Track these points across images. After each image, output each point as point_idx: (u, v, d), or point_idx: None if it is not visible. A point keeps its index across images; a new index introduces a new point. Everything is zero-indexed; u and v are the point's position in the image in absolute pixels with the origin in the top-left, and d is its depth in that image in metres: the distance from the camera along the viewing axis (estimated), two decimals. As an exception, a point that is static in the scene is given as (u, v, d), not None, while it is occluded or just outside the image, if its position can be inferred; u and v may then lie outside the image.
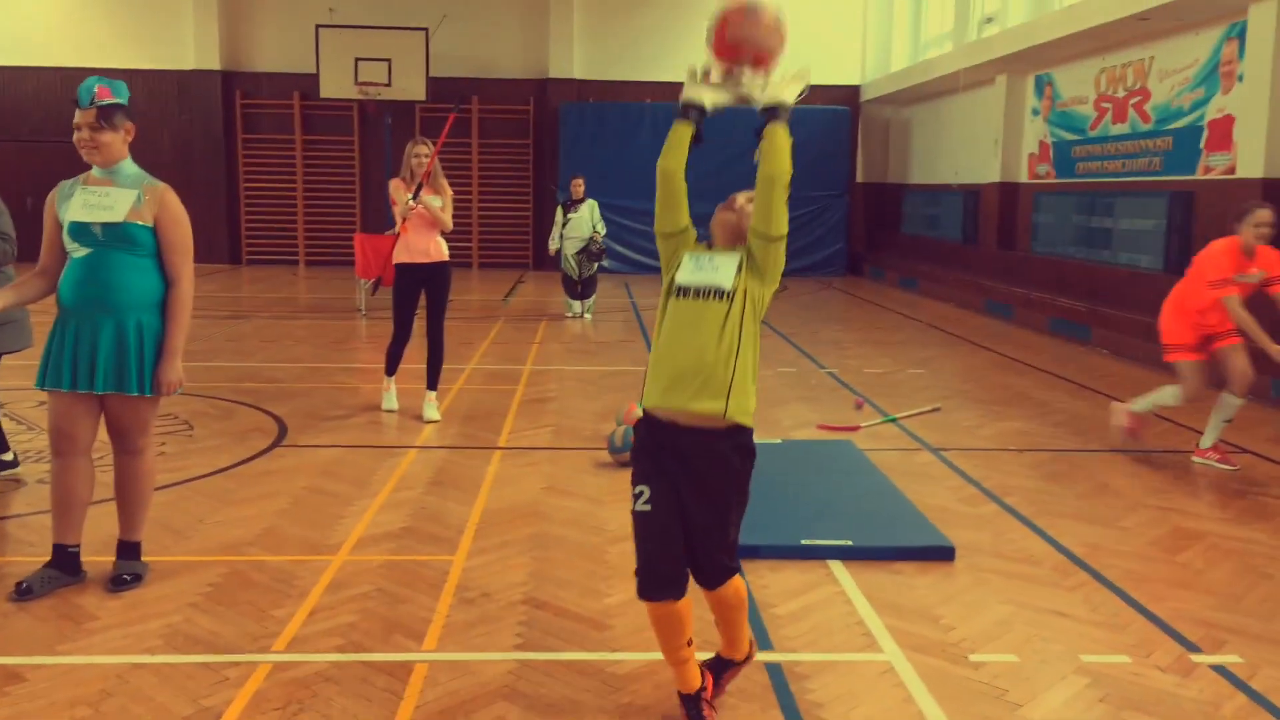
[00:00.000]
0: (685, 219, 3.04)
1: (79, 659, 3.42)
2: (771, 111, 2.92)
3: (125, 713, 3.08)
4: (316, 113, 18.70)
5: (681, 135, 2.99)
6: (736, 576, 3.07)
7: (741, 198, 3.04)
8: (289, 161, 18.87)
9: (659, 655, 3.46)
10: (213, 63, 18.38)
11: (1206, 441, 6.12)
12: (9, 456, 5.50)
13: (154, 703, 3.14)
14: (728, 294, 2.88)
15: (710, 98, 2.99)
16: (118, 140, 3.91)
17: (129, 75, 18.08)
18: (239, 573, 4.20)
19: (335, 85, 17.76)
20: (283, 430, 6.63)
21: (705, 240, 3.08)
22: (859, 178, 19.86)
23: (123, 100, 3.94)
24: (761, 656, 3.50)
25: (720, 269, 2.93)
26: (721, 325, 2.87)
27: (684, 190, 3.01)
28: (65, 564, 4.02)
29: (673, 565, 2.92)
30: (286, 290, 15.31)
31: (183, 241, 4.04)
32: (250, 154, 18.86)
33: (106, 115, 3.86)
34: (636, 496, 2.95)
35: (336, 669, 3.38)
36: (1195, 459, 6.13)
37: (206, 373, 8.49)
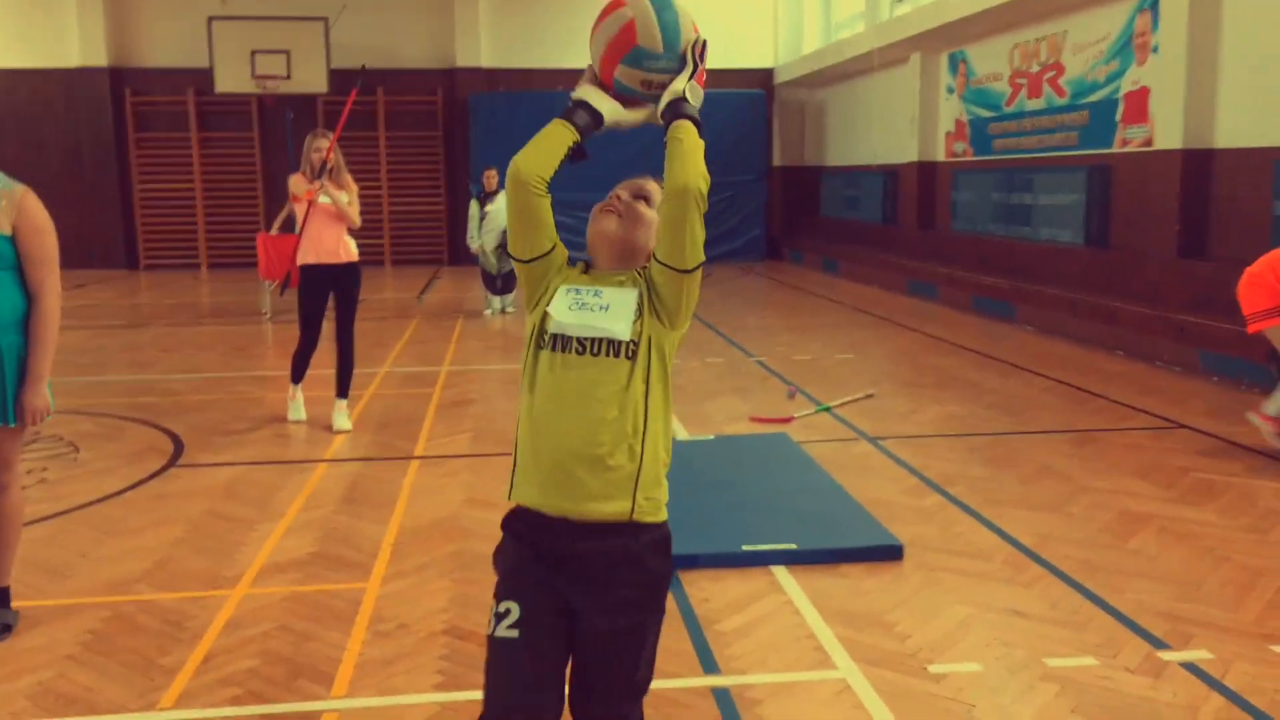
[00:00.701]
0: (550, 238, 2.13)
1: (-69, 731, 2.99)
2: (671, 109, 2.10)
3: (-18, 796, 2.67)
4: (212, 109, 17.92)
5: (557, 137, 2.10)
6: None
7: (626, 192, 2.19)
8: (185, 160, 18.06)
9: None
10: (99, 59, 17.47)
11: (1273, 409, 5.67)
12: None
13: (17, 781, 2.73)
14: (626, 347, 2.04)
15: (611, 109, 2.16)
16: (-42, 137, 3.45)
17: (9, 75, 17.11)
18: (124, 616, 3.77)
19: (231, 79, 17.02)
20: (179, 448, 6.16)
21: (582, 260, 2.21)
22: (776, 161, 19.73)
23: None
24: (709, 681, 3.21)
25: (612, 308, 2.07)
26: (622, 393, 2.02)
27: (545, 204, 2.11)
28: (-79, 617, 3.56)
29: (537, 716, 2.02)
30: (187, 295, 14.62)
31: (46, 252, 3.57)
32: (144, 154, 18.00)
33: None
34: (499, 616, 2.04)
35: (232, 725, 3.00)
36: (1250, 415, 5.83)
37: (96, 388, 7.92)
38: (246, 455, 5.98)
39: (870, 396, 7.22)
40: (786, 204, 19.93)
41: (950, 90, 14.25)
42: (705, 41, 2.15)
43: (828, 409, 6.87)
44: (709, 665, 3.32)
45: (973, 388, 7.57)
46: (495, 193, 11.91)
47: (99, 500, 5.17)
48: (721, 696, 3.12)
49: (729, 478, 5.14)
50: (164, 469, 5.72)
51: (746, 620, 3.65)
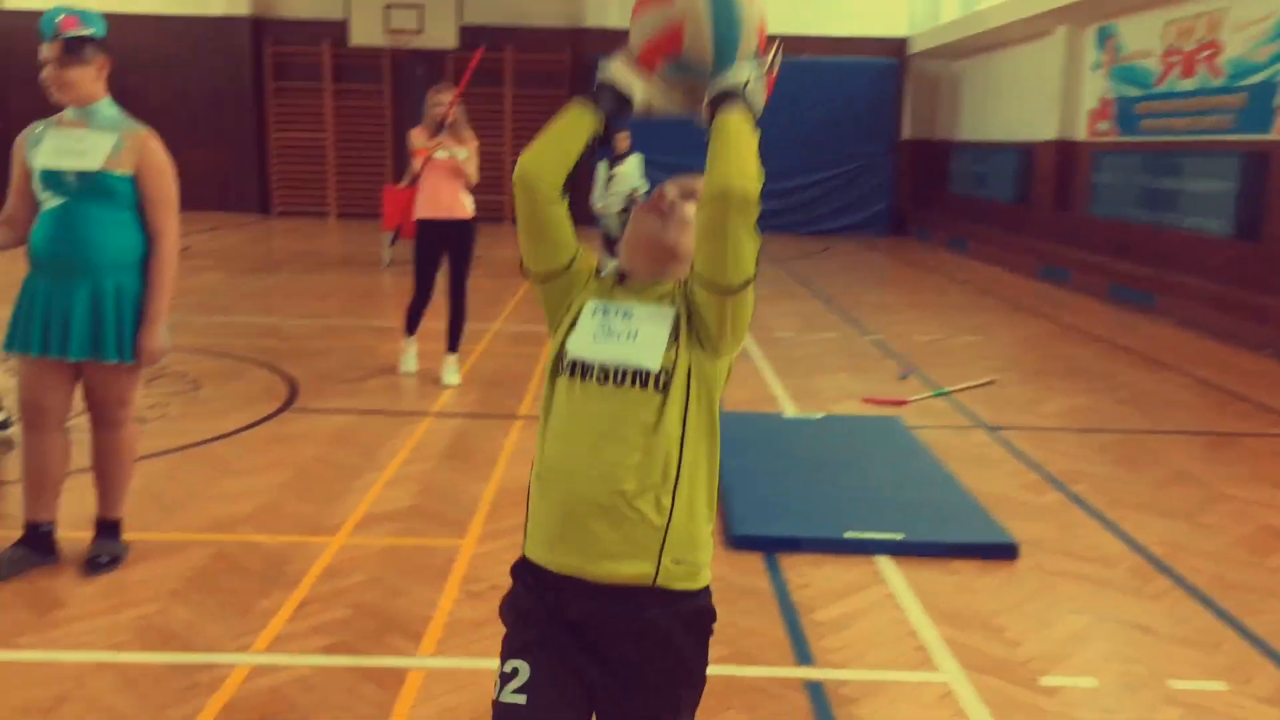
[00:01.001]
0: (568, 250, 1.83)
1: (38, 655, 3.07)
2: (722, 99, 1.73)
3: (78, 725, 2.72)
4: (347, 61, 18.23)
5: (576, 128, 1.80)
6: None
7: (675, 190, 1.86)
8: (319, 111, 18.45)
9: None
10: (242, 8, 17.92)
11: None
12: (1, 417, 5.16)
13: (113, 712, 2.78)
14: (657, 378, 1.71)
15: (644, 95, 1.84)
16: (87, 77, 3.49)
17: (158, 21, 17.69)
18: (227, 555, 3.83)
19: (365, 33, 17.28)
20: (294, 393, 6.27)
21: (616, 273, 1.89)
22: (905, 134, 19.14)
23: (95, 32, 3.51)
24: (802, 673, 3.09)
25: (642, 333, 1.74)
26: (649, 432, 1.69)
27: (561, 212, 1.80)
28: (37, 544, 3.67)
29: None
30: (314, 243, 14.96)
31: (166, 194, 3.61)
32: (280, 103, 18.46)
33: (73, 49, 3.44)
34: (506, 678, 1.73)
35: (320, 675, 3.00)
36: None
37: (222, 328, 8.14)
38: (357, 404, 6.05)
39: (991, 383, 6.92)
40: (914, 179, 19.34)
41: (1096, 66, 13.55)
42: (779, 45, 1.83)
43: (945, 394, 6.61)
44: (803, 655, 3.19)
45: (1103, 380, 7.19)
46: (625, 154, 11.81)
47: (214, 439, 5.29)
48: (814, 690, 3.00)
49: (836, 459, 4.97)
50: (278, 412, 5.83)
51: (845, 611, 3.50)
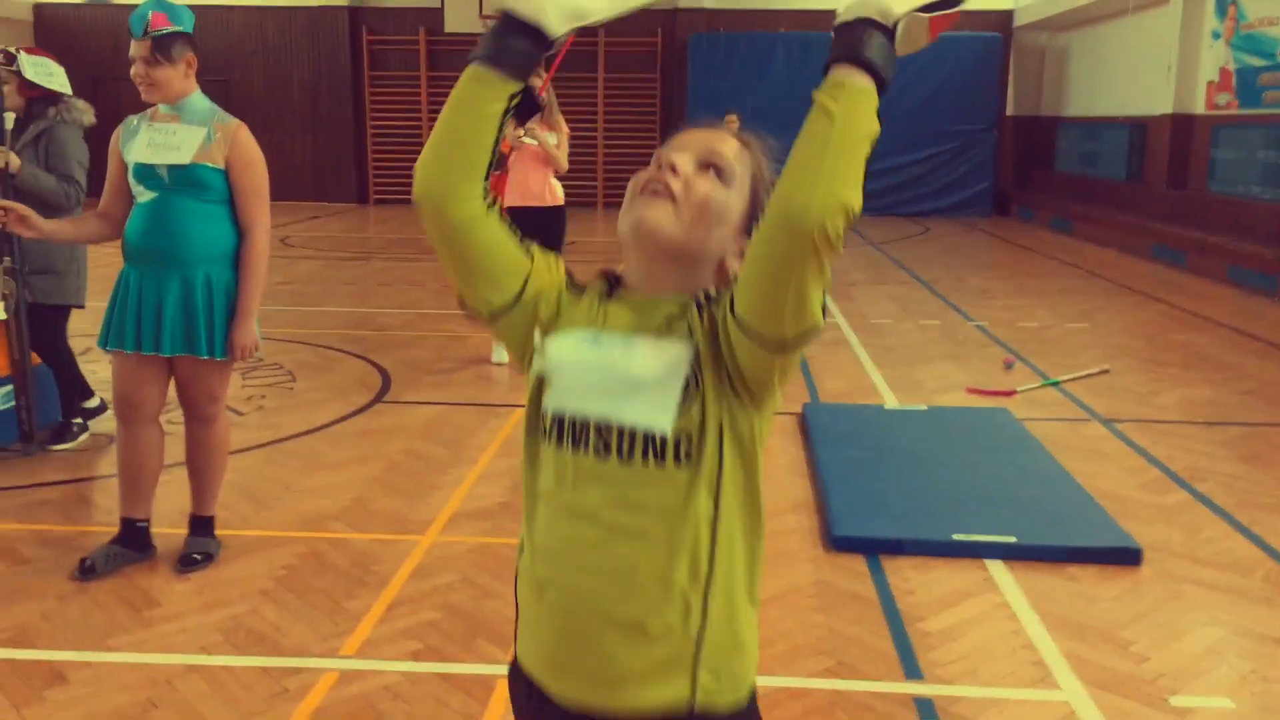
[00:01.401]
0: (514, 274, 1.32)
1: (130, 657, 3.06)
2: (853, 43, 1.12)
3: (167, 730, 2.69)
4: (442, 48, 18.34)
5: (475, 95, 1.26)
6: None
7: (687, 158, 1.31)
8: (415, 99, 18.62)
9: (797, 681, 2.90)
10: (339, -2, 18.19)
11: None
12: (94, 403, 5.21)
13: (200, 719, 2.74)
14: (678, 446, 1.23)
15: (573, 8, 1.29)
16: (177, 76, 3.45)
17: (260, 12, 18.04)
18: (317, 553, 3.80)
19: (460, 19, 17.32)
20: (386, 384, 6.27)
21: (603, 282, 1.36)
22: (1009, 110, 18.49)
23: (183, 28, 3.48)
24: (910, 688, 2.91)
25: (645, 378, 1.24)
26: (673, 520, 1.24)
27: (489, 227, 1.30)
28: (133, 540, 3.68)
29: None
30: (409, 231, 15.09)
31: (257, 186, 3.57)
32: (377, 91, 18.67)
33: (162, 47, 3.40)
34: None
35: (409, 682, 2.93)
36: None
37: (318, 318, 8.22)
38: (448, 395, 6.02)
39: (1105, 372, 6.57)
40: (1018, 156, 18.68)
41: (1216, 35, 12.85)
42: None
43: (1055, 384, 6.30)
44: (910, 669, 3.01)
45: (1225, 370, 6.78)
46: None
47: (308, 432, 5.30)
48: (924, 707, 2.82)
49: (941, 455, 4.74)
50: (370, 404, 5.82)
51: (955, 621, 3.30)
